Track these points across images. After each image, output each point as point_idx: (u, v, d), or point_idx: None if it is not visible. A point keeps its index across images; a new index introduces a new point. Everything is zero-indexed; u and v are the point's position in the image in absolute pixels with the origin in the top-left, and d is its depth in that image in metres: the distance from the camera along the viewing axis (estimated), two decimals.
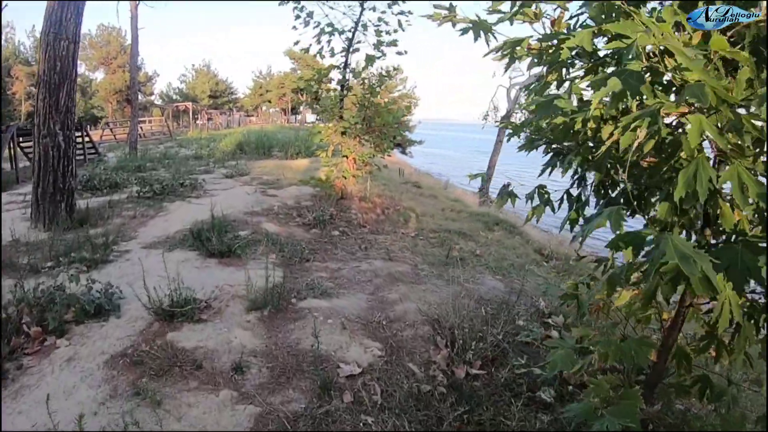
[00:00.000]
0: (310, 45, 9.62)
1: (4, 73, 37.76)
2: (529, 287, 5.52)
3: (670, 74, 1.79)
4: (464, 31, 2.57)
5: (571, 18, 2.54)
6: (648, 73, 1.68)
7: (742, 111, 1.72)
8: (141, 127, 30.43)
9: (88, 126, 24.84)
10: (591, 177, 2.82)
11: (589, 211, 2.80)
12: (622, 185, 2.62)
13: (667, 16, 1.65)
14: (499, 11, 2.52)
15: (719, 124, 1.70)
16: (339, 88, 10.09)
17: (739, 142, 1.77)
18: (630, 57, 1.49)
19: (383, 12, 9.48)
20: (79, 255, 5.62)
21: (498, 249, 7.57)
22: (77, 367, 3.44)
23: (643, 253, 1.83)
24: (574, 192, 2.90)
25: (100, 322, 4.04)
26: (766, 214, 1.83)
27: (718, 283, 1.72)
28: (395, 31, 9.50)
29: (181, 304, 4.09)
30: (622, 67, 1.52)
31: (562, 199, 2.94)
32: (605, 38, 2.13)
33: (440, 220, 9.51)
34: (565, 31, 2.19)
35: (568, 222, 2.76)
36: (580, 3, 2.28)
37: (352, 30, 9.60)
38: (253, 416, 2.97)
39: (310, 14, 9.49)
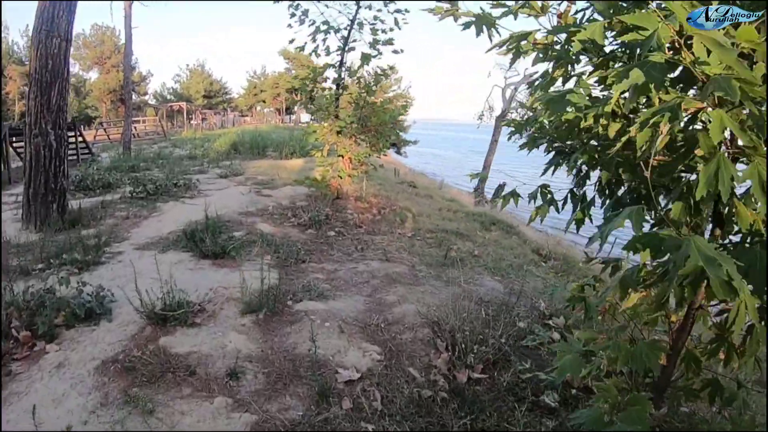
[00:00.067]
0: (305, 43, 9.53)
1: None
2: (528, 288, 5.44)
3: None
4: (466, 25, 2.48)
5: (576, 12, 2.47)
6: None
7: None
8: (135, 127, 30.22)
9: (82, 126, 24.65)
10: (594, 176, 2.75)
11: (594, 210, 2.74)
12: (627, 185, 2.56)
13: (681, 11, 1.57)
14: (503, 5, 2.44)
15: (739, 121, 1.62)
16: (334, 87, 9.99)
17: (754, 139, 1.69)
18: (650, 49, 1.40)
19: (379, 10, 9.39)
20: (70, 257, 5.51)
21: (496, 249, 7.49)
22: (67, 373, 3.33)
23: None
24: (574, 191, 2.83)
25: (91, 327, 3.94)
26: None
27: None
28: (391, 29, 9.42)
29: (174, 307, 3.99)
30: (643, 59, 1.44)
31: (565, 199, 2.86)
32: (612, 33, 2.06)
33: (437, 220, 9.42)
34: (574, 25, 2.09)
35: (573, 222, 2.68)
36: None
37: (348, 28, 9.50)
38: (249, 425, 2.87)
39: (306, 12, 9.39)
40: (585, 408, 3.17)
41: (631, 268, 2.12)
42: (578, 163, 2.59)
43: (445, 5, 2.54)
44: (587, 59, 2.39)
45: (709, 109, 1.56)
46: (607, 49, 2.27)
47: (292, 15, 9.39)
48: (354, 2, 9.39)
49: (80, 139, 16.76)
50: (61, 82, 7.50)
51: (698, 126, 1.83)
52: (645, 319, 2.75)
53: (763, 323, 2.11)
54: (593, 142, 2.58)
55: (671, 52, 1.73)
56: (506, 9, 2.41)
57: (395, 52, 9.60)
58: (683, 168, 1.92)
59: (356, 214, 8.71)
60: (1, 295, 3.85)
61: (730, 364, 2.52)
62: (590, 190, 2.77)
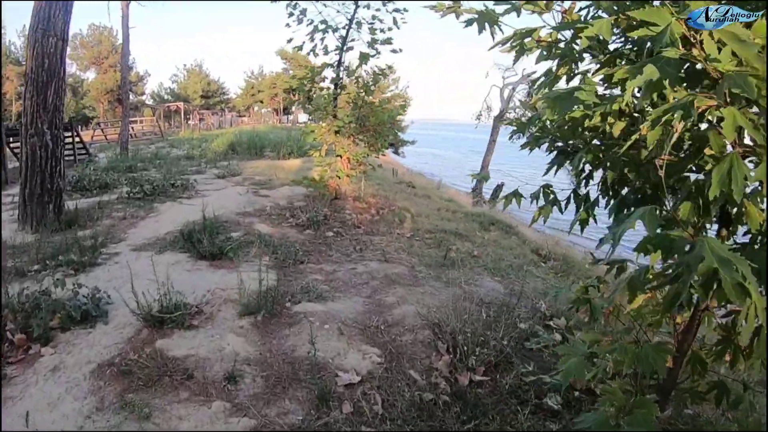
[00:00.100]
0: (303, 43, 9.47)
1: None
2: (528, 289, 5.40)
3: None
4: (469, 22, 2.44)
5: (580, 10, 2.43)
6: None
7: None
8: (132, 128, 30.21)
9: (80, 126, 24.57)
10: (596, 176, 2.71)
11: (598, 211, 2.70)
12: (631, 184, 2.52)
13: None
14: (507, 2, 2.39)
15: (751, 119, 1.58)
16: (332, 86, 9.94)
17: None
18: (663, 44, 1.36)
19: (377, 10, 9.34)
20: (66, 258, 5.45)
21: (495, 249, 7.45)
22: (63, 377, 3.28)
23: None
24: (578, 192, 2.79)
25: (86, 329, 3.88)
26: None
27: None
28: (390, 29, 9.37)
29: (171, 309, 3.93)
30: (656, 55, 1.39)
31: (568, 199, 2.82)
32: (617, 29, 2.02)
33: (436, 221, 9.37)
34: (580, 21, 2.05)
35: (578, 223, 2.64)
36: None
37: (346, 27, 9.45)
38: (247, 429, 2.82)
39: (304, 12, 9.33)
40: (588, 410, 3.14)
41: (637, 269, 2.09)
42: (582, 162, 2.55)
43: (447, 2, 2.50)
44: (590, 57, 2.36)
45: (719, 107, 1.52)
46: (611, 47, 2.23)
47: (290, 14, 9.34)
48: (352, 1, 9.35)
49: (77, 139, 16.69)
50: (57, 82, 7.43)
51: (703, 125, 1.80)
52: (649, 321, 2.72)
53: None
54: (596, 142, 2.54)
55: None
56: (510, 6, 2.36)
57: (394, 51, 9.53)
58: (692, 167, 1.88)
59: (355, 215, 8.66)
60: (0, 298, 3.79)
61: (737, 366, 2.49)
62: (592, 190, 2.74)
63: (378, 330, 4.09)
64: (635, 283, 1.98)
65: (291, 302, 4.53)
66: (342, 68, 9.76)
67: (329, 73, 9.98)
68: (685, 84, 1.77)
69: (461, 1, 2.48)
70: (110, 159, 16.78)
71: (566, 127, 2.68)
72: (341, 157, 9.40)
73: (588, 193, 2.76)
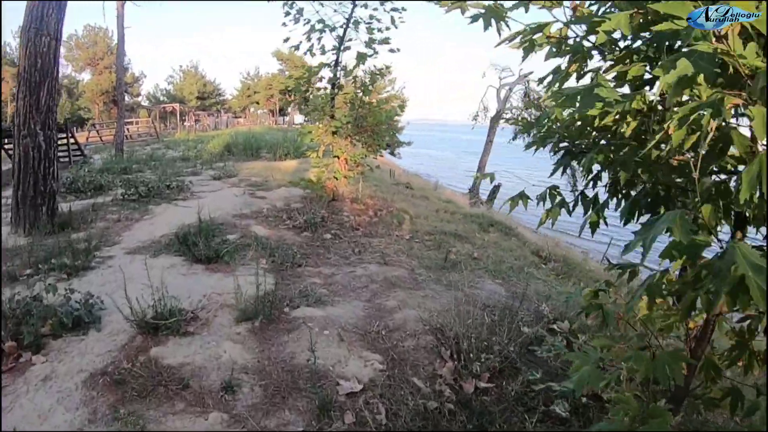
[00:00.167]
0: (300, 42, 9.37)
1: None
2: (530, 291, 5.31)
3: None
4: (474, 18, 2.35)
5: (590, 5, 2.34)
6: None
7: None
8: (127, 129, 30.07)
9: (75, 127, 24.38)
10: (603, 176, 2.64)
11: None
12: (642, 186, 2.45)
13: None
14: None
15: None
16: (330, 86, 9.83)
17: None
18: (692, 38, 1.27)
19: (375, 9, 9.25)
20: (59, 261, 5.32)
21: (495, 251, 7.36)
22: (54, 386, 3.16)
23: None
24: (585, 193, 2.72)
25: (79, 336, 3.76)
26: None
27: None
28: (387, 28, 9.28)
29: (165, 315, 3.81)
30: (689, 49, 1.30)
31: (576, 201, 2.74)
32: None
33: (434, 222, 9.28)
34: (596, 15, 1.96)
35: (588, 225, 2.55)
36: None
37: (344, 27, 9.36)
38: None
39: (300, 11, 9.23)
40: (597, 416, 3.06)
41: (651, 275, 2.00)
42: (592, 163, 2.46)
43: None
44: (598, 55, 2.28)
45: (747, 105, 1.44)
46: (621, 44, 2.15)
47: (287, 14, 9.24)
48: (350, 1, 9.26)
49: (72, 140, 16.53)
50: (50, 82, 7.30)
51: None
52: (659, 326, 2.65)
53: None
54: (602, 142, 2.47)
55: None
56: (516, 2, 2.28)
57: (392, 51, 9.41)
58: (716, 168, 1.79)
59: (353, 216, 8.56)
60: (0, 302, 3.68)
61: (751, 371, 2.44)
62: (592, 192, 2.67)
63: (379, 335, 3.99)
64: (654, 289, 1.90)
65: (289, 307, 4.43)
66: (339, 68, 9.66)
67: (326, 73, 9.89)
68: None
69: None
70: (105, 160, 16.61)
71: (574, 127, 2.61)
72: (339, 158, 9.30)
73: (596, 195, 2.68)
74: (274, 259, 5.92)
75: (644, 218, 2.44)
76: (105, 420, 2.80)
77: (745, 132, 1.63)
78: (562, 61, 2.32)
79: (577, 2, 2.31)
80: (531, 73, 23.53)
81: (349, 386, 3.20)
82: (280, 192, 10.33)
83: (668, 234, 1.54)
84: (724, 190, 1.89)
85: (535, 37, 2.18)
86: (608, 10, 2.17)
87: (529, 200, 2.83)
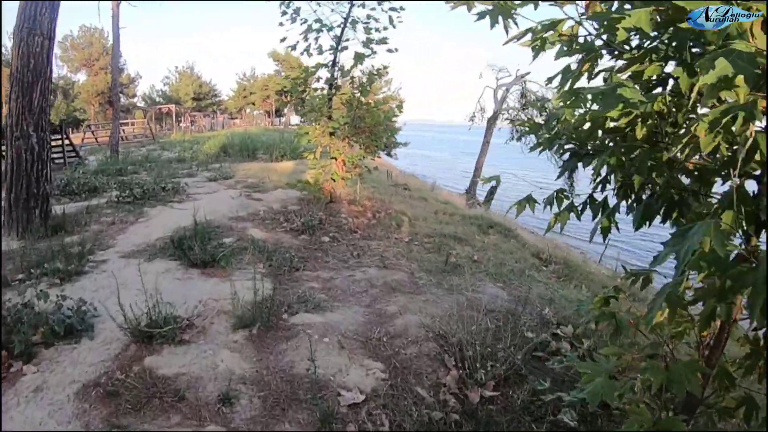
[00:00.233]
0: (297, 42, 9.25)
1: None
2: (532, 294, 5.22)
3: None
4: (481, 15, 2.26)
5: (603, 2, 2.26)
6: None
7: None
8: (123, 130, 29.92)
9: (71, 129, 24.22)
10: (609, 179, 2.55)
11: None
12: (654, 189, 2.37)
13: None
14: None
15: None
16: (327, 87, 9.72)
17: None
18: (721, 38, 1.18)
19: (373, 9, 9.15)
20: (51, 266, 5.20)
21: (495, 254, 7.27)
22: (45, 398, 3.05)
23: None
24: (594, 197, 2.64)
25: (71, 345, 3.65)
26: None
27: None
28: (385, 28, 9.17)
29: (160, 323, 3.70)
30: (728, 48, 1.21)
31: (584, 205, 2.65)
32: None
33: (433, 224, 9.18)
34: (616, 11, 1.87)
35: (599, 230, 2.47)
36: None
37: (341, 27, 9.25)
38: None
39: (297, 11, 9.11)
40: (605, 425, 2.98)
41: (667, 284, 1.92)
42: (603, 165, 2.37)
43: None
44: (608, 54, 2.20)
45: None
46: (633, 43, 2.06)
47: (284, 13, 9.12)
48: (347, 0, 9.16)
49: (67, 142, 16.39)
50: (43, 82, 7.18)
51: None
52: (671, 333, 2.57)
53: None
54: (612, 144, 2.39)
55: None
56: None
57: (390, 51, 9.30)
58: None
59: (351, 219, 8.45)
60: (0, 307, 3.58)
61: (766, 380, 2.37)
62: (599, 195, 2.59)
63: (380, 342, 3.89)
64: (673, 299, 1.80)
65: (288, 313, 4.32)
66: (337, 68, 9.55)
67: (323, 74, 9.77)
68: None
69: None
70: (100, 162, 16.44)
71: (581, 128, 2.53)
72: (336, 159, 9.20)
73: (606, 198, 2.60)
74: (272, 263, 5.81)
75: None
76: None
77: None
78: (571, 61, 2.24)
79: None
80: (528, 73, 23.50)
81: (351, 397, 3.10)
82: (277, 194, 10.21)
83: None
84: (745, 196, 1.81)
85: (546, 35, 2.09)
86: (620, 8, 2.09)
87: (536, 204, 2.76)
